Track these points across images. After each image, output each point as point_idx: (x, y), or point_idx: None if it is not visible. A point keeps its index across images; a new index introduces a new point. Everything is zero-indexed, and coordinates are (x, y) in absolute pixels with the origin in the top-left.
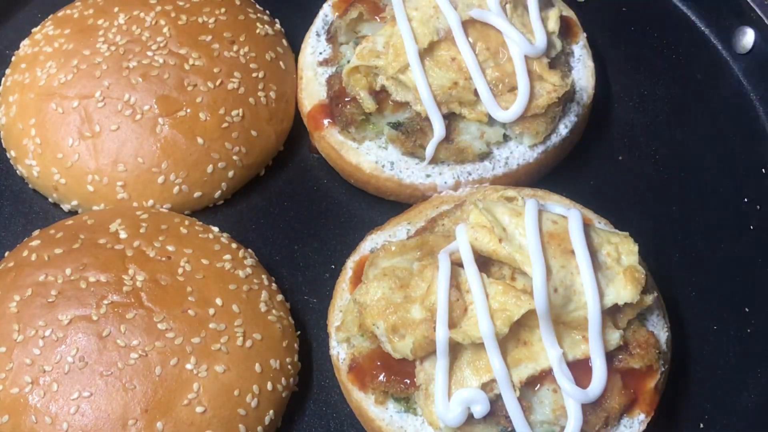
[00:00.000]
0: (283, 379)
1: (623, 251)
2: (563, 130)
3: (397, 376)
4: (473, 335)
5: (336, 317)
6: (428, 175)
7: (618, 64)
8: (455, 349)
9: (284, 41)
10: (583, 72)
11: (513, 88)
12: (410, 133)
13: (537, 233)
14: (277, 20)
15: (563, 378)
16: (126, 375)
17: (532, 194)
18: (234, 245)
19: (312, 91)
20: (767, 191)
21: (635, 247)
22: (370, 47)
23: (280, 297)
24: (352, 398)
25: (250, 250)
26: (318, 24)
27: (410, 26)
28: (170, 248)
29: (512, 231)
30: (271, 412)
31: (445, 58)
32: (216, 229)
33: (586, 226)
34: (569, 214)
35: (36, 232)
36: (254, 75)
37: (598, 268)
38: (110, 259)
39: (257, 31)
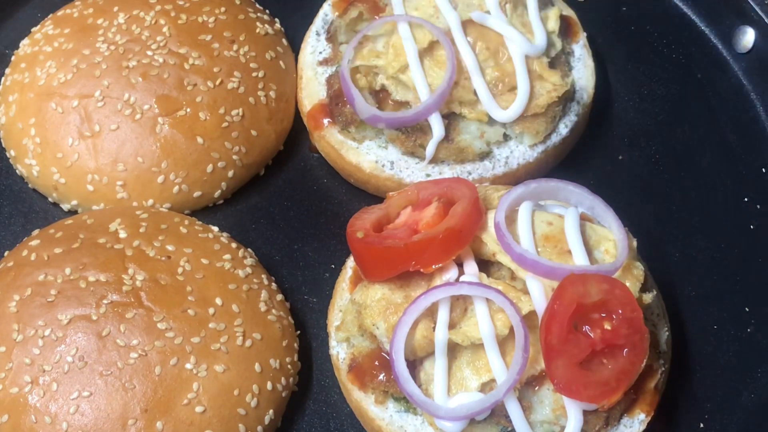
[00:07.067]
0: (282, 378)
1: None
2: (563, 129)
3: None
4: (473, 336)
5: (336, 317)
6: (428, 175)
7: (618, 63)
8: (454, 349)
9: (284, 41)
10: (583, 71)
11: (513, 88)
12: (410, 133)
13: (531, 239)
14: (277, 20)
15: None
16: (126, 375)
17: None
18: (234, 245)
19: (312, 90)
20: (767, 191)
21: (633, 243)
22: (370, 47)
23: (279, 297)
24: (352, 398)
25: (250, 249)
26: (318, 23)
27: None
28: (170, 248)
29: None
30: (271, 411)
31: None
32: (216, 228)
33: (583, 224)
34: (565, 214)
35: (36, 232)
36: (254, 74)
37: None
38: (110, 259)
39: (257, 30)
